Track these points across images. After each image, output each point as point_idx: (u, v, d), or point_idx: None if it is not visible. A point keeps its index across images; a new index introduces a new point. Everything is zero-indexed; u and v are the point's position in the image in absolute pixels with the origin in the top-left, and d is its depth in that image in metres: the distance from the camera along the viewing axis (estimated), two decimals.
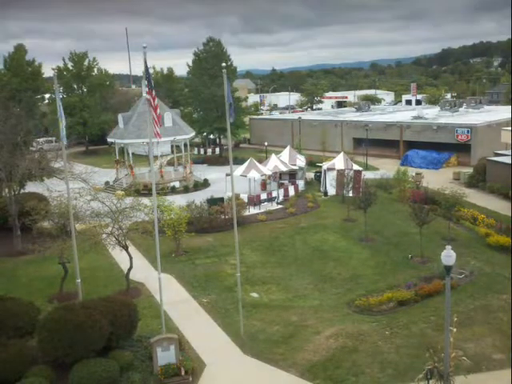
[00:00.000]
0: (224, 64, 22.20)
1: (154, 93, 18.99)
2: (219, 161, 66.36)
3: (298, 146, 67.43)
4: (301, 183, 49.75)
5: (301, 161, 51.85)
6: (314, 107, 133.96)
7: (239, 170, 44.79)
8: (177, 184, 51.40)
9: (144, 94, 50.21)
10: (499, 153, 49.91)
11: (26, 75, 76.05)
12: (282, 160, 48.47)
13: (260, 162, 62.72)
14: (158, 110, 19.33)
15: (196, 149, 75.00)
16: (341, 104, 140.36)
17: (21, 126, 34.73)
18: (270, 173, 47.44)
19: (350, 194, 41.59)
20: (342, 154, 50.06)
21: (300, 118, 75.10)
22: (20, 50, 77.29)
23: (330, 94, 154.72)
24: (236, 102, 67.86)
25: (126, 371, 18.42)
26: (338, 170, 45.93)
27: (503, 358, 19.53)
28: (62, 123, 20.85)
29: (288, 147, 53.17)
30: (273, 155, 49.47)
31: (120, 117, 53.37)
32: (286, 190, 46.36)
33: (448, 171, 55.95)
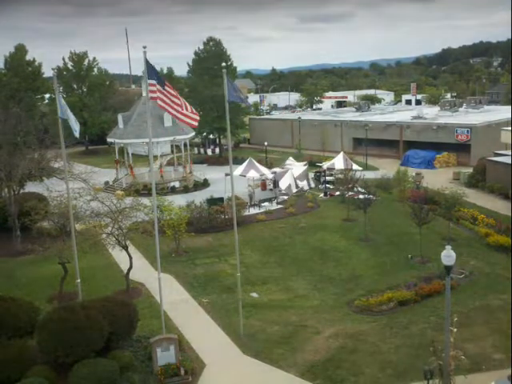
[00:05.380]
0: (224, 64, 22.20)
1: (162, 87, 18.86)
2: (219, 161, 66.37)
3: (297, 146, 67.49)
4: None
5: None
6: (314, 107, 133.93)
7: (238, 169, 44.76)
8: (177, 184, 51.41)
9: (144, 94, 50.21)
10: (499, 153, 49.90)
11: (26, 75, 76.01)
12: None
13: (260, 162, 62.84)
14: (179, 100, 19.14)
15: (196, 149, 74.99)
16: (341, 104, 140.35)
17: (20, 126, 34.73)
18: (270, 175, 47.46)
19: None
20: (341, 153, 50.07)
21: (300, 118, 75.15)
22: (20, 49, 77.25)
23: (330, 93, 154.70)
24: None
25: (125, 371, 18.38)
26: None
27: (503, 358, 19.53)
28: (71, 118, 20.77)
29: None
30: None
31: (120, 117, 53.36)
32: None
33: (448, 171, 55.96)
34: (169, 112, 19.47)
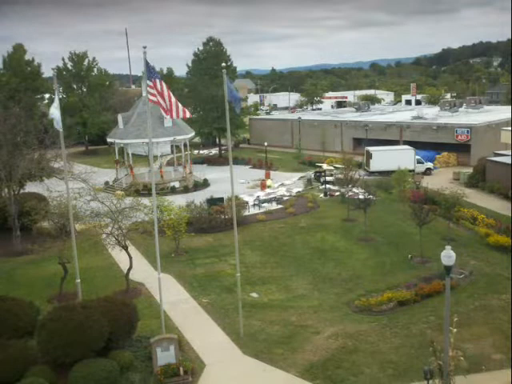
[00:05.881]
0: (224, 64, 22.21)
1: (158, 82, 18.84)
2: (219, 161, 66.39)
3: (297, 146, 67.47)
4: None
5: None
6: (314, 107, 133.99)
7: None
8: (177, 184, 51.40)
9: (144, 94, 50.21)
10: (499, 153, 49.90)
11: (25, 75, 75.98)
12: None
13: (259, 161, 62.84)
14: (172, 99, 19.09)
15: (196, 152, 74.89)
16: (340, 104, 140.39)
17: (20, 126, 34.68)
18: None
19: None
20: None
21: (300, 118, 75.13)
22: (19, 49, 77.21)
23: (330, 94, 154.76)
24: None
25: (125, 371, 18.42)
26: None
27: (503, 358, 19.53)
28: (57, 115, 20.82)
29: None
30: None
31: (120, 117, 53.36)
32: None
33: (448, 171, 55.94)
34: (157, 103, 19.33)
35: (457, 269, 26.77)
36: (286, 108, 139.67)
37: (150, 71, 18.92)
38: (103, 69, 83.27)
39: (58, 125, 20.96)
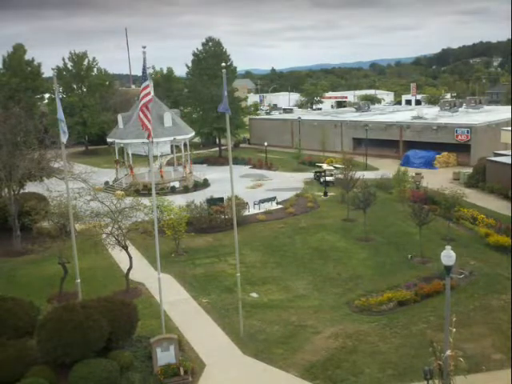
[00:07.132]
0: (224, 64, 22.21)
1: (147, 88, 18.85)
2: (219, 161, 66.36)
3: (297, 146, 67.47)
4: None
5: None
6: (314, 107, 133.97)
7: None
8: (176, 184, 51.39)
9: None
10: (499, 153, 49.90)
11: (26, 75, 76.02)
12: None
13: (259, 161, 62.87)
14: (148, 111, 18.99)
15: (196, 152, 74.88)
16: (340, 104, 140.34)
17: (20, 126, 34.68)
18: None
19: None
20: None
21: (300, 118, 75.12)
22: (19, 49, 77.25)
23: (330, 93, 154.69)
24: (236, 101, 67.92)
25: (125, 371, 18.41)
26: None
27: (503, 358, 19.53)
28: (62, 122, 20.78)
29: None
30: None
31: (120, 117, 53.35)
32: None
33: (448, 171, 55.94)
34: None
35: (457, 269, 26.77)
36: (286, 108, 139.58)
37: (144, 75, 18.95)
38: (103, 69, 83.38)
39: (64, 132, 20.84)
